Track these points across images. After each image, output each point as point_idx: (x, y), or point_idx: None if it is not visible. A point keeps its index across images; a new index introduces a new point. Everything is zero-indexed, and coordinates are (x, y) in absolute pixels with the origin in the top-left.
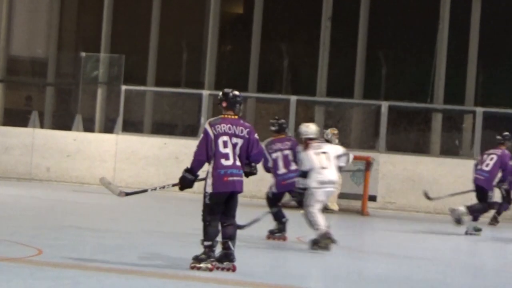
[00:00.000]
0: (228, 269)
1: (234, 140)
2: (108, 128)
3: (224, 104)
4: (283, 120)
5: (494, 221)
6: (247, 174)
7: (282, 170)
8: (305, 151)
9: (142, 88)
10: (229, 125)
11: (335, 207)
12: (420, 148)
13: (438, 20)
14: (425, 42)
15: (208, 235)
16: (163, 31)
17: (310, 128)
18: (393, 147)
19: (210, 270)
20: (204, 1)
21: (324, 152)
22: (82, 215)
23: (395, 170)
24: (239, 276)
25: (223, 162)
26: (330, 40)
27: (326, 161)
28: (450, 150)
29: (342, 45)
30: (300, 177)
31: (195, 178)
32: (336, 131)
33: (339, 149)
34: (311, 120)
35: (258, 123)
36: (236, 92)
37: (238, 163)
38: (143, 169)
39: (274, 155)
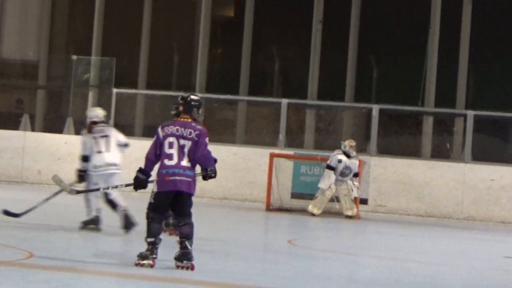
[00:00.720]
0: (187, 268)
1: (182, 141)
2: None
3: (181, 108)
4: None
5: None
6: (204, 177)
7: None
8: (86, 135)
9: (133, 91)
10: (177, 127)
11: (316, 210)
12: (411, 151)
13: (429, 24)
14: (416, 45)
15: (151, 232)
16: (154, 34)
17: (94, 112)
18: (384, 150)
19: (151, 266)
20: (195, 5)
21: (105, 136)
22: (73, 218)
23: (386, 173)
24: (230, 279)
25: (166, 162)
26: (321, 43)
27: (104, 145)
28: (441, 153)
29: (333, 48)
30: (83, 161)
31: (147, 177)
32: (354, 143)
33: (122, 138)
34: (302, 123)
35: (250, 125)
36: (194, 97)
37: (183, 163)
38: (134, 172)
39: None
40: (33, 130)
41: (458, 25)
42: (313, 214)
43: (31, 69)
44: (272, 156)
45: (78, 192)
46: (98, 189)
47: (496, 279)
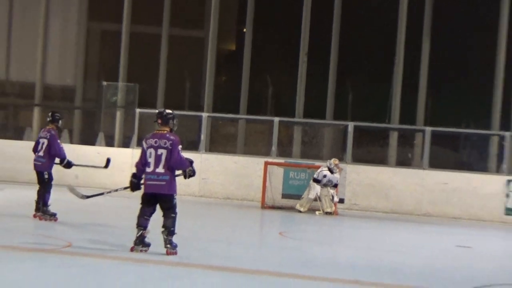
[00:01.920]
0: (167, 253)
1: (160, 151)
2: (125, 143)
3: (159, 121)
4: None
5: None
6: (184, 177)
7: None
8: None
9: (152, 111)
10: (155, 139)
11: (303, 208)
12: (380, 160)
13: (394, 56)
14: (384, 73)
15: (137, 222)
16: (169, 64)
17: None
18: (358, 159)
19: (134, 250)
20: (203, 40)
21: None
22: (104, 215)
23: (359, 178)
24: (232, 264)
25: (147, 169)
26: (306, 72)
27: None
28: (404, 162)
29: (316, 76)
30: None
31: (139, 181)
32: (337, 162)
33: None
34: (291, 137)
35: (248, 139)
36: (168, 111)
37: (158, 170)
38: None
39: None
40: (71, 142)
41: (419, 57)
42: (300, 211)
43: (69, 93)
44: (266, 164)
45: (87, 197)
46: (102, 193)
47: (449, 264)
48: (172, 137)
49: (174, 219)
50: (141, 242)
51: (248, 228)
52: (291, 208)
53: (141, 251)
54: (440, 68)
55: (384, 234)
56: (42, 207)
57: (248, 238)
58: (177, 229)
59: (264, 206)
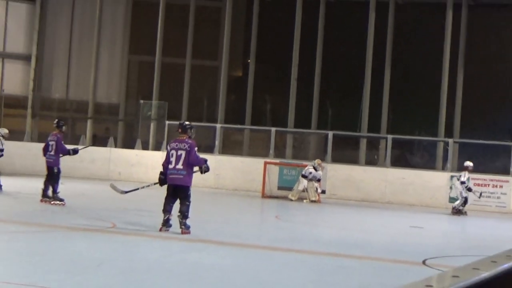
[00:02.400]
0: (182, 233)
1: (179, 152)
2: (157, 147)
3: (179, 130)
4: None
5: None
6: (201, 172)
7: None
8: None
9: (178, 122)
10: (176, 143)
11: (294, 197)
12: (352, 160)
13: (363, 79)
14: (355, 93)
15: (163, 208)
16: (192, 86)
17: None
18: (336, 160)
19: (161, 230)
20: (217, 68)
21: None
22: (141, 202)
23: (337, 174)
24: (237, 240)
25: (169, 166)
26: (296, 92)
27: None
28: (371, 162)
29: (304, 95)
30: None
31: (165, 177)
32: (320, 162)
33: None
34: (284, 142)
35: (251, 144)
36: (187, 122)
37: (178, 166)
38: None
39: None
40: (115, 146)
41: (382, 81)
42: (291, 200)
43: (115, 109)
44: (266, 163)
45: (126, 192)
46: (137, 188)
47: (405, 240)
48: (190, 141)
49: (188, 206)
50: (166, 223)
51: (251, 212)
52: (285, 197)
53: (166, 230)
54: (398, 89)
55: (356, 217)
56: (52, 194)
57: (251, 220)
58: (195, 213)
59: (263, 196)
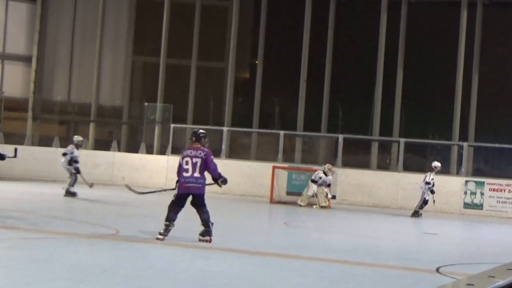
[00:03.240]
0: (206, 241)
1: (195, 159)
2: (162, 151)
3: (193, 138)
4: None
5: None
6: (219, 185)
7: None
8: None
9: (184, 125)
10: (191, 151)
11: (303, 203)
12: (364, 164)
13: (375, 80)
14: (367, 96)
15: (168, 217)
16: (198, 88)
17: None
18: (346, 164)
19: (162, 240)
20: (224, 70)
21: None
22: (145, 208)
23: (348, 179)
24: (246, 247)
25: (184, 173)
26: (305, 94)
27: None
28: (383, 166)
29: (313, 98)
30: None
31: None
32: (331, 166)
33: None
34: (293, 146)
35: (259, 148)
36: (201, 130)
37: (196, 174)
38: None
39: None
40: (119, 150)
41: (394, 83)
42: (300, 205)
43: (118, 111)
44: (274, 167)
45: (142, 193)
46: (154, 191)
47: (419, 247)
48: (206, 150)
49: (208, 213)
50: (167, 233)
51: (259, 218)
52: (294, 203)
53: (162, 240)
54: (411, 91)
55: (367, 223)
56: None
57: (259, 226)
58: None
59: (272, 201)
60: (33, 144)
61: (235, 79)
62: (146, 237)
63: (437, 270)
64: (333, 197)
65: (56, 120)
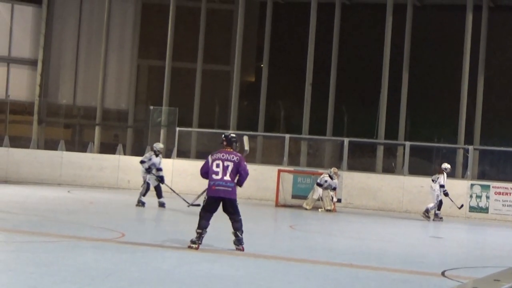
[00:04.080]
0: (238, 250)
1: (226, 163)
2: (167, 155)
3: (225, 143)
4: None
5: None
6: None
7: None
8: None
9: (189, 129)
10: (223, 154)
11: (308, 206)
12: (369, 168)
13: (380, 84)
14: (372, 99)
15: (199, 225)
16: (203, 92)
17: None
18: (352, 167)
19: (196, 249)
20: (229, 73)
21: None
22: (151, 211)
23: (353, 182)
24: (252, 250)
25: (214, 176)
26: (311, 98)
27: None
28: (388, 169)
29: (319, 101)
30: None
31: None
32: (336, 170)
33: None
34: (299, 150)
35: (265, 151)
36: (233, 135)
37: (226, 178)
38: (190, 181)
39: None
40: (124, 154)
41: (399, 86)
42: (306, 209)
43: (123, 115)
44: (279, 171)
45: (191, 205)
46: (198, 205)
47: (425, 250)
48: (238, 154)
49: (241, 221)
50: (200, 240)
51: (264, 222)
52: (299, 206)
53: (196, 248)
54: (417, 95)
55: (373, 227)
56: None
57: (264, 229)
58: (211, 224)
59: (277, 204)
60: (38, 147)
61: (241, 82)
62: (151, 240)
63: (443, 273)
64: (339, 200)
65: (62, 123)
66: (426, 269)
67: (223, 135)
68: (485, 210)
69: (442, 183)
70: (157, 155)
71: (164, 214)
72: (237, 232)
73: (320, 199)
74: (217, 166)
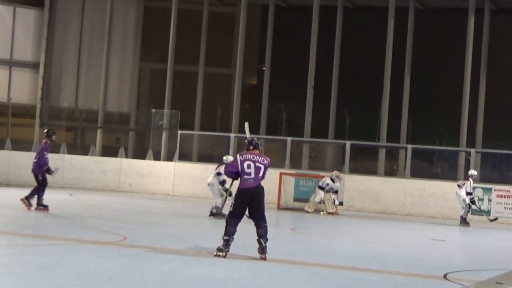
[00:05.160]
0: (262, 258)
1: (257, 164)
2: (169, 158)
3: (251, 147)
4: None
5: None
6: (230, 193)
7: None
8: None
9: (191, 132)
10: (253, 155)
11: (310, 209)
12: (371, 171)
13: (382, 87)
14: (374, 102)
15: (227, 232)
16: (205, 95)
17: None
18: (354, 170)
19: (224, 257)
20: (231, 76)
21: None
22: (153, 214)
23: (355, 185)
24: (250, 252)
25: (246, 177)
26: (313, 101)
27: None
28: (390, 172)
29: (320, 104)
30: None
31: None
32: (338, 173)
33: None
34: (300, 153)
35: (266, 154)
36: (256, 139)
37: (258, 179)
38: (192, 184)
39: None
40: (126, 157)
41: (401, 90)
42: (307, 212)
43: (125, 118)
44: (281, 174)
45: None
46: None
47: (427, 253)
48: (268, 159)
49: (266, 228)
50: (227, 248)
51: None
52: (301, 209)
53: (224, 256)
54: (419, 98)
55: (375, 230)
56: (37, 200)
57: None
58: (209, 226)
59: (279, 207)
60: None
61: (242, 85)
62: (153, 243)
63: (445, 276)
64: (340, 203)
65: (64, 126)
66: (428, 272)
67: (246, 141)
68: (487, 213)
69: (469, 190)
70: None
71: (166, 218)
72: (261, 240)
73: (322, 202)
74: (249, 167)
